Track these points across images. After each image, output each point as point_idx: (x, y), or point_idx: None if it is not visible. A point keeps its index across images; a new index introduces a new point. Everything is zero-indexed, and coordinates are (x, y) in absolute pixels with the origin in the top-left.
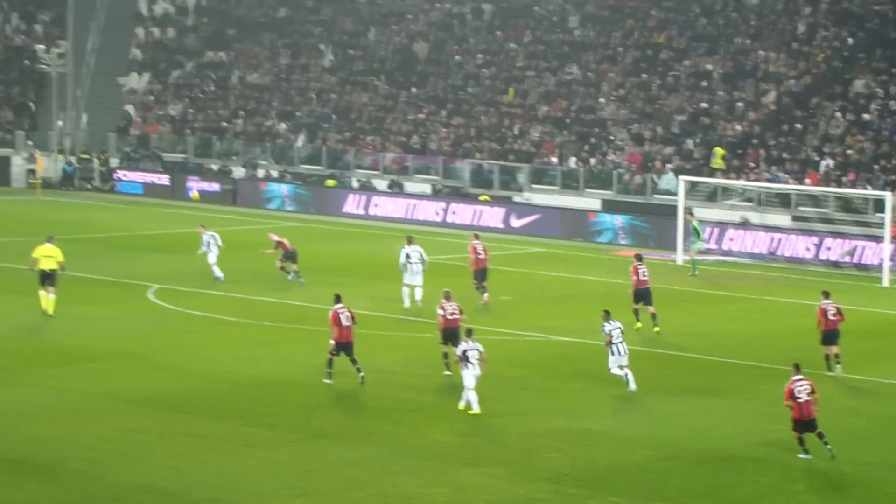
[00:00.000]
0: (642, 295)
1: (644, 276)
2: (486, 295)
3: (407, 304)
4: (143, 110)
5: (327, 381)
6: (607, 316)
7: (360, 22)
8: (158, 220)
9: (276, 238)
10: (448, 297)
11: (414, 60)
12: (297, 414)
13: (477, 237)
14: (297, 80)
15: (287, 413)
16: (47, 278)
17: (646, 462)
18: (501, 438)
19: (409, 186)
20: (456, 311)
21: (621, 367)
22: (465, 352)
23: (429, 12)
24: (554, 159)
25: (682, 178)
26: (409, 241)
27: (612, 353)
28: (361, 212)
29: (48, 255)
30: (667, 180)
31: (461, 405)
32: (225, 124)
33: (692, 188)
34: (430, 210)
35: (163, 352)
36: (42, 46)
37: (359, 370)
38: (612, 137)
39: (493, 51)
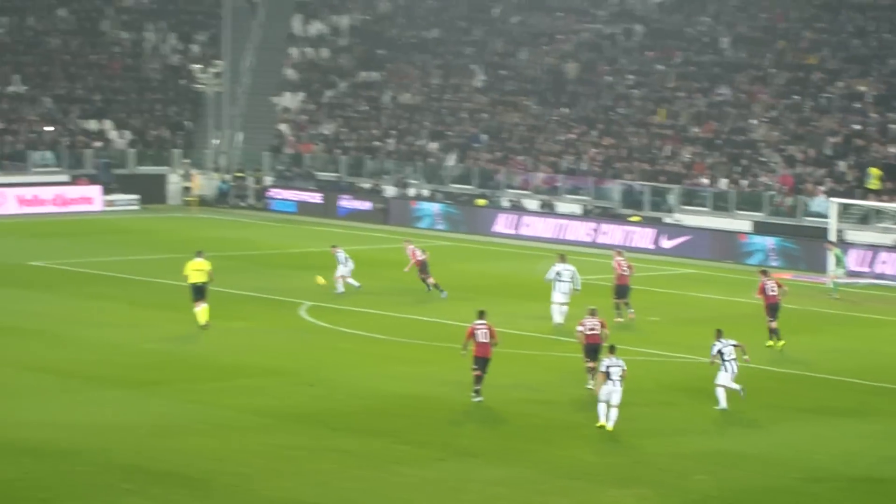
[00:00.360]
0: (773, 309)
1: (773, 290)
2: (631, 311)
3: (557, 320)
4: (297, 129)
5: (477, 398)
6: (719, 334)
7: (511, 42)
8: (310, 238)
9: (410, 248)
10: (593, 314)
11: (564, 81)
12: (445, 432)
13: (620, 254)
14: (449, 100)
15: (435, 431)
16: (199, 292)
17: (795, 486)
18: (650, 459)
19: (560, 206)
20: (596, 327)
21: (724, 386)
22: (608, 367)
23: (579, 33)
24: (705, 180)
25: (834, 200)
26: (562, 259)
27: (723, 371)
28: (511, 231)
29: (198, 269)
30: (818, 202)
31: (600, 421)
32: (377, 143)
33: (844, 210)
34: (581, 230)
35: (314, 368)
36: (199, 66)
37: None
38: (763, 159)
39: (643, 71)
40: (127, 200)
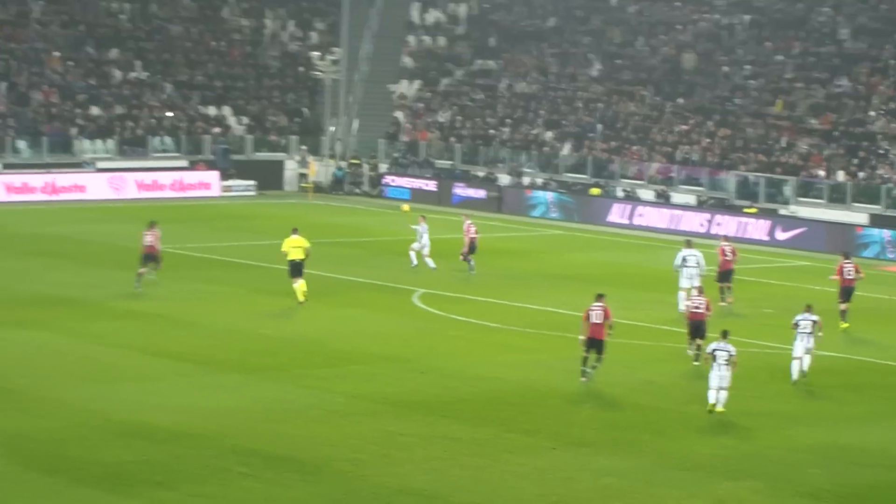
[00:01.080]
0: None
1: (850, 274)
2: (731, 298)
3: (682, 307)
4: (413, 117)
5: (583, 379)
6: (808, 308)
7: (629, 32)
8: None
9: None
10: (700, 292)
11: (681, 71)
12: (556, 421)
13: (726, 239)
14: (565, 90)
15: (547, 420)
16: (296, 268)
17: None
18: (764, 452)
19: (675, 197)
20: (700, 305)
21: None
22: (714, 351)
23: (697, 22)
24: (821, 172)
25: None
26: (688, 245)
27: (798, 340)
28: (626, 221)
29: (296, 246)
30: None
31: (710, 403)
32: (492, 132)
33: None
34: (695, 221)
35: (426, 355)
36: (317, 53)
37: (594, 368)
38: (881, 151)
39: (761, 62)
40: (244, 186)
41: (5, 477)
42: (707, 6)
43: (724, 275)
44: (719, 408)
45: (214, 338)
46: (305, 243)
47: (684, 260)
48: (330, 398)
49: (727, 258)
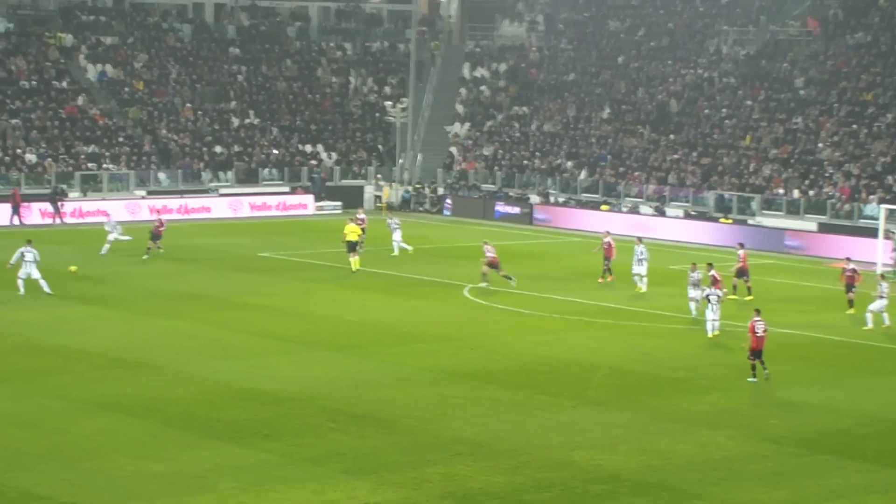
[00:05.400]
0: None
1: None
2: (749, 297)
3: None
4: (464, 151)
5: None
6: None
7: (631, 84)
8: (472, 235)
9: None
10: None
11: (671, 113)
12: (576, 386)
13: (741, 246)
14: (582, 129)
15: (569, 385)
16: (352, 247)
17: (850, 429)
18: (736, 408)
19: (668, 211)
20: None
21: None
22: (708, 295)
23: (685, 76)
24: (781, 191)
25: (884, 206)
26: (639, 241)
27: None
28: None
29: (353, 231)
30: (870, 208)
31: (710, 335)
32: (525, 162)
33: (890, 214)
34: (682, 230)
35: (473, 336)
36: (390, 103)
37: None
38: (827, 174)
39: (734, 105)
40: (333, 206)
41: (150, 432)
42: (692, 63)
43: (741, 271)
44: (716, 332)
45: (310, 323)
46: (359, 230)
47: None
48: (399, 369)
49: (741, 262)
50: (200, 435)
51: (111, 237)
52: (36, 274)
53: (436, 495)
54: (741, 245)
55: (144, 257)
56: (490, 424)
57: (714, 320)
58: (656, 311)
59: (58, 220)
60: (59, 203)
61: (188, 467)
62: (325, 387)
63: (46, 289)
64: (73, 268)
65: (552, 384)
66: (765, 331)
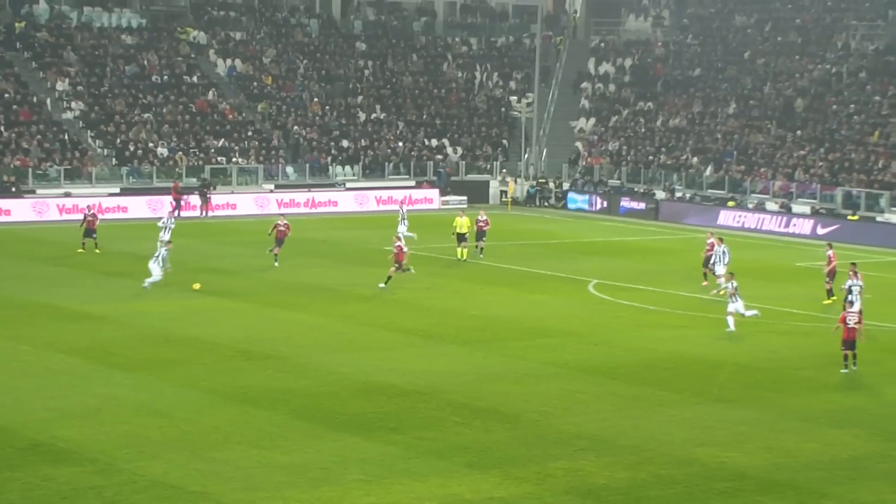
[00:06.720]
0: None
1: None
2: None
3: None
4: (589, 147)
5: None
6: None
7: (758, 79)
8: (598, 231)
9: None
10: (851, 305)
11: (798, 108)
12: (700, 382)
13: (830, 246)
14: (707, 124)
15: (692, 381)
16: (461, 238)
17: None
18: (862, 406)
19: (795, 208)
20: (858, 322)
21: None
22: (850, 287)
23: (812, 71)
24: None
25: None
26: (720, 241)
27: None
28: (755, 226)
29: (462, 224)
30: None
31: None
32: (650, 157)
33: None
34: (807, 226)
35: (598, 331)
36: (515, 98)
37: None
38: None
39: (862, 101)
40: (458, 200)
41: (276, 423)
42: (819, 58)
43: (831, 273)
44: (732, 329)
45: (436, 317)
46: (469, 223)
47: (724, 253)
48: (523, 364)
49: (831, 262)
50: (326, 427)
51: (164, 236)
52: (157, 270)
53: (559, 490)
54: (829, 245)
55: (80, 250)
56: (613, 420)
57: (857, 311)
58: (784, 308)
59: (205, 213)
60: (208, 196)
61: (314, 459)
62: (449, 380)
63: (147, 283)
64: (196, 286)
65: (676, 381)
66: (857, 322)
